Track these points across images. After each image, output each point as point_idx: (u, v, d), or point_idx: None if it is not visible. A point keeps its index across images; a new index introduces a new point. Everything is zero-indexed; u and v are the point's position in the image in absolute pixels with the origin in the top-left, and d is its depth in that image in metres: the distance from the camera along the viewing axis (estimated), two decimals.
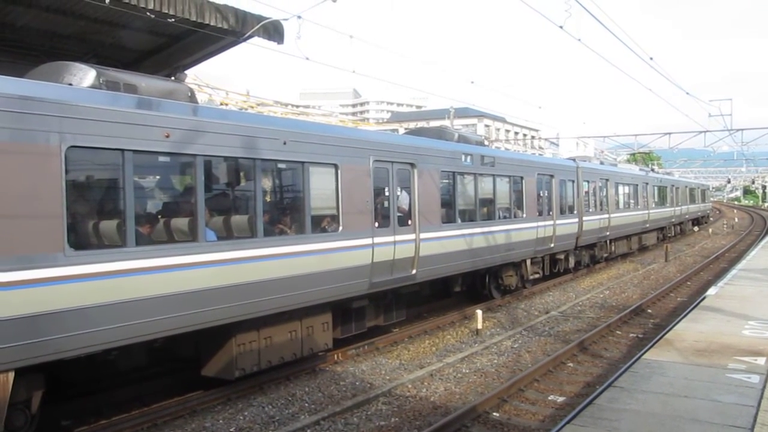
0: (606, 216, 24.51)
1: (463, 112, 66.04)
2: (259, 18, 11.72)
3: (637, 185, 29.86)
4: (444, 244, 13.56)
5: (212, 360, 9.43)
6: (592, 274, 23.66)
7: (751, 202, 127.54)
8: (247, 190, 9.62)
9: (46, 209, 6.80)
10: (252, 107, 19.54)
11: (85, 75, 7.93)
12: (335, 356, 11.59)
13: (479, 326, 13.98)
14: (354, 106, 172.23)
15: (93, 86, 7.85)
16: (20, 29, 10.89)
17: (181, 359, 10.12)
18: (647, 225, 31.14)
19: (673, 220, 38.81)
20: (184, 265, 8.14)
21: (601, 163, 28.81)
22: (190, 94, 9.12)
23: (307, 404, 9.40)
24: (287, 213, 10.47)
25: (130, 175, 7.66)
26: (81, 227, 7.49)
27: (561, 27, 11.93)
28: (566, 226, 20.48)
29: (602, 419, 6.79)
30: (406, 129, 33.54)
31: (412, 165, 12.69)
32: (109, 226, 7.66)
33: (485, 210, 15.81)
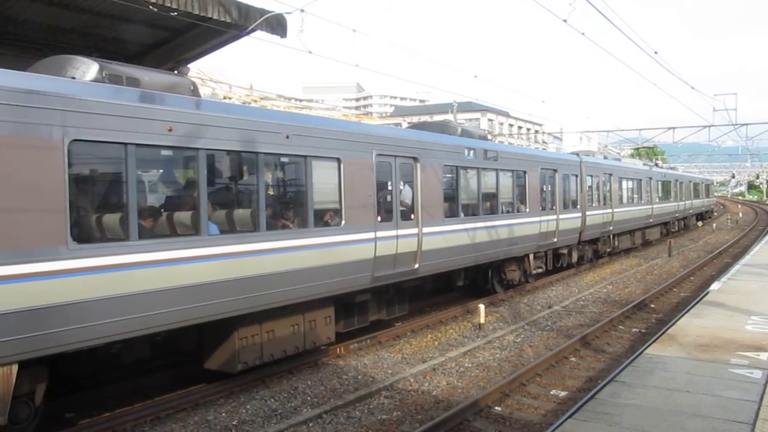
0: (609, 211, 24.47)
1: (466, 107, 66.00)
2: (262, 11, 11.70)
3: (640, 180, 29.77)
4: (447, 238, 13.55)
5: (215, 353, 9.46)
6: (595, 269, 23.64)
7: (756, 197, 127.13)
8: (249, 184, 9.61)
9: (48, 203, 6.81)
10: (255, 101, 19.53)
11: (88, 69, 7.93)
12: (338, 350, 11.61)
13: (482, 321, 13.99)
14: (357, 100, 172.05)
15: (96, 80, 7.85)
16: (23, 23, 10.90)
17: (183, 352, 10.15)
18: (651, 220, 31.07)
19: (677, 215, 38.72)
20: (186, 259, 8.15)
21: (605, 157, 28.76)
22: (192, 88, 9.12)
23: (309, 398, 9.42)
24: (290, 207, 10.46)
25: (132, 169, 7.66)
26: (84, 221, 7.50)
27: (565, 21, 11.87)
28: (569, 220, 20.46)
29: (604, 414, 6.80)
30: (409, 123, 33.47)
31: (415, 159, 12.67)
32: (111, 219, 7.68)
33: (488, 204, 15.79)
